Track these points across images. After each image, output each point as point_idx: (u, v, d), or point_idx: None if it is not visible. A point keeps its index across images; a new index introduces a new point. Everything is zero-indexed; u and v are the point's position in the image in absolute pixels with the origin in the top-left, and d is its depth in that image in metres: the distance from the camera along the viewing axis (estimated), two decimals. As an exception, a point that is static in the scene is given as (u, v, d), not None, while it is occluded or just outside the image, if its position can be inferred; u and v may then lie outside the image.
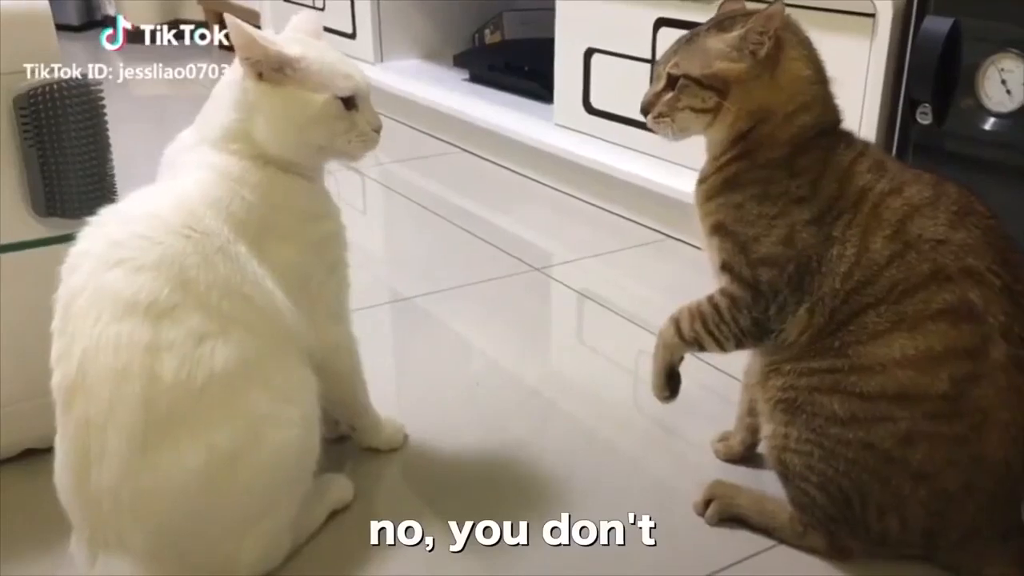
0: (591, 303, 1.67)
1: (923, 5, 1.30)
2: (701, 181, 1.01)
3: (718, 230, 0.98)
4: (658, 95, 0.99)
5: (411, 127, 2.60)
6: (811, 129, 0.95)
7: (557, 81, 2.14)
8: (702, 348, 1.01)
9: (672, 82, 0.97)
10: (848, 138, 0.98)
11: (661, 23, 1.80)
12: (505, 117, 2.29)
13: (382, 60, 2.81)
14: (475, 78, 2.62)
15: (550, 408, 1.34)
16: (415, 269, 1.83)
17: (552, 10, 2.12)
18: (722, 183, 0.97)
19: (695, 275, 1.72)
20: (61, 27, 3.88)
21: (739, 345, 0.99)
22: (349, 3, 2.81)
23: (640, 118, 1.85)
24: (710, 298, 1.00)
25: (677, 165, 1.82)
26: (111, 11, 3.99)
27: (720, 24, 0.96)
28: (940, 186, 0.92)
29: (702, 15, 1.67)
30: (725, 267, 0.98)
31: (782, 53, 0.93)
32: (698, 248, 1.75)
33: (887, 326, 0.89)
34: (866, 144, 0.98)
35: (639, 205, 1.91)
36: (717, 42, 0.95)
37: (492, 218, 2.08)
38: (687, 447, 1.22)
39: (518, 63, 2.52)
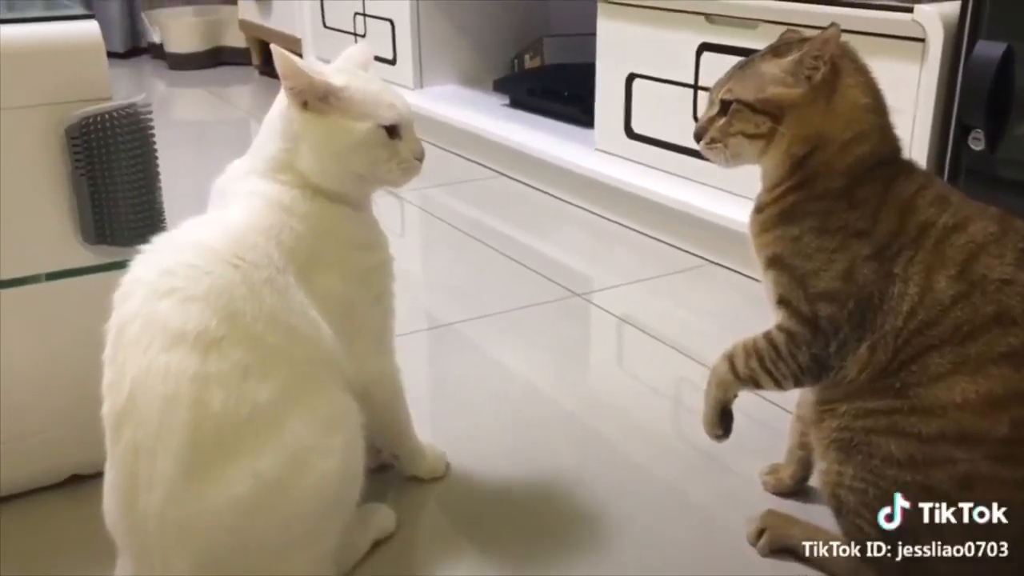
0: (632, 329, 1.66)
1: (975, 29, 1.28)
2: (757, 211, 0.99)
3: (775, 263, 0.96)
4: (711, 120, 0.97)
5: (451, 152, 2.61)
6: (869, 159, 0.93)
7: (598, 106, 2.13)
8: (758, 386, 0.99)
9: (725, 107, 0.96)
10: (909, 169, 0.95)
11: (704, 48, 1.79)
12: (545, 142, 2.29)
13: (422, 86, 2.83)
14: (515, 103, 2.62)
15: (592, 436, 1.33)
16: (454, 294, 1.82)
17: (592, 36, 2.13)
18: (778, 214, 0.96)
19: (738, 301, 1.72)
20: (107, 54, 3.95)
21: (797, 383, 0.97)
22: (390, 29, 2.84)
23: (682, 143, 1.88)
24: (767, 334, 0.97)
25: (719, 190, 1.81)
26: (156, 38, 4.06)
27: (776, 50, 0.95)
28: (1007, 222, 0.89)
29: (746, 40, 1.67)
30: (782, 302, 0.95)
31: (839, 80, 0.92)
32: (741, 273, 1.77)
33: (949, 368, 0.86)
34: (928, 175, 0.96)
35: (680, 230, 1.90)
36: (771, 67, 0.93)
37: (532, 243, 2.07)
38: (734, 479, 1.20)
39: (558, 88, 2.51)
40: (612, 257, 1.98)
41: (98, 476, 0.90)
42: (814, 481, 1.04)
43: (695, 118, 1.84)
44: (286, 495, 0.87)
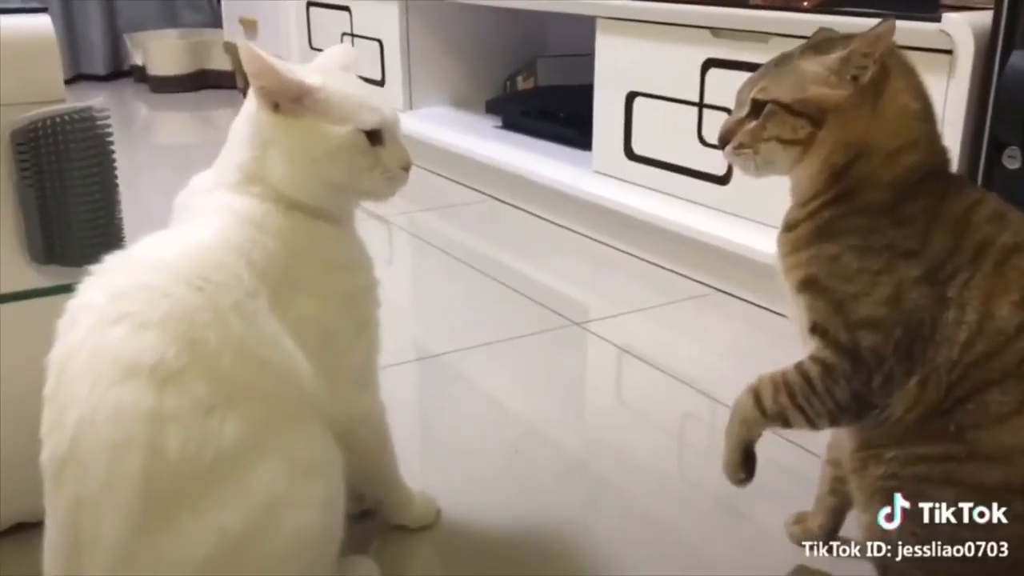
0: (634, 362, 1.55)
1: (1009, 39, 1.19)
2: (788, 229, 0.88)
3: (809, 286, 0.85)
4: (740, 123, 0.87)
5: (442, 175, 2.52)
6: (918, 171, 0.83)
7: (596, 126, 2.04)
8: (788, 425, 0.87)
9: (757, 109, 0.85)
10: (960, 183, 0.85)
11: (710, 64, 1.70)
12: (540, 164, 2.19)
13: (412, 107, 2.74)
14: (508, 125, 2.53)
15: (596, 480, 1.21)
16: (444, 323, 1.71)
17: (587, 56, 2.04)
18: (814, 231, 0.85)
19: (748, 332, 1.62)
20: (88, 76, 3.85)
21: (833, 422, 0.86)
22: (378, 49, 2.75)
23: (687, 164, 1.78)
24: (799, 366, 0.86)
25: (727, 214, 1.71)
26: (138, 61, 3.97)
27: (816, 47, 0.85)
28: None
29: (756, 55, 1.57)
30: (817, 329, 0.84)
31: (887, 82, 0.82)
32: (751, 303, 1.66)
33: (1014, 407, 0.76)
34: (982, 191, 0.86)
35: (685, 256, 1.80)
36: (813, 65, 0.83)
37: (527, 270, 1.97)
38: (755, 531, 1.09)
39: (553, 109, 2.43)
40: (611, 285, 1.88)
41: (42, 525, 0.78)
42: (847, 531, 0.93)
43: (700, 138, 1.75)
44: (256, 554, 0.76)
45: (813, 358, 0.85)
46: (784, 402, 0.86)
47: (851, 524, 0.98)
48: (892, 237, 0.81)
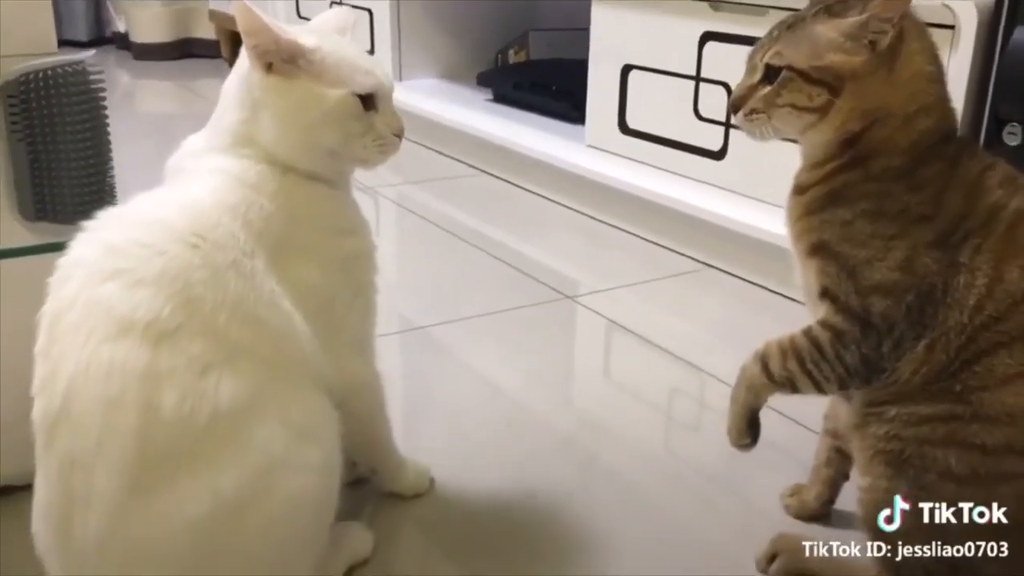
0: (626, 336, 1.54)
1: (1013, 15, 1.18)
2: (798, 192, 0.87)
3: (820, 250, 0.84)
4: (752, 88, 0.85)
5: (430, 148, 2.49)
6: (934, 135, 0.82)
7: (590, 99, 2.02)
8: (795, 390, 0.87)
9: (771, 74, 0.84)
10: (972, 147, 0.85)
11: (708, 37, 1.69)
12: (532, 138, 2.17)
13: (401, 79, 2.70)
14: (499, 98, 2.51)
15: (584, 452, 1.21)
16: (431, 295, 1.70)
17: (581, 31, 2.02)
18: (827, 195, 0.84)
19: (739, 308, 1.61)
20: (70, 42, 3.76)
21: (842, 386, 0.86)
22: (368, 19, 2.72)
23: (681, 139, 1.77)
24: (807, 331, 0.85)
25: (720, 189, 1.71)
26: (121, 28, 3.90)
27: (830, 9, 0.83)
28: None
29: (754, 28, 1.56)
30: (827, 294, 0.84)
31: (902, 45, 0.81)
32: (743, 279, 1.66)
33: (1019, 369, 0.76)
34: (993, 156, 0.85)
35: (677, 232, 1.79)
36: (829, 29, 0.81)
37: (516, 244, 1.95)
38: (745, 506, 1.08)
39: (545, 82, 2.41)
40: (603, 259, 1.87)
41: (31, 488, 0.76)
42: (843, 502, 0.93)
43: (696, 112, 1.74)
44: (251, 517, 0.75)
45: (823, 323, 0.84)
46: (793, 368, 0.86)
47: (846, 497, 0.98)
48: (907, 202, 0.81)
